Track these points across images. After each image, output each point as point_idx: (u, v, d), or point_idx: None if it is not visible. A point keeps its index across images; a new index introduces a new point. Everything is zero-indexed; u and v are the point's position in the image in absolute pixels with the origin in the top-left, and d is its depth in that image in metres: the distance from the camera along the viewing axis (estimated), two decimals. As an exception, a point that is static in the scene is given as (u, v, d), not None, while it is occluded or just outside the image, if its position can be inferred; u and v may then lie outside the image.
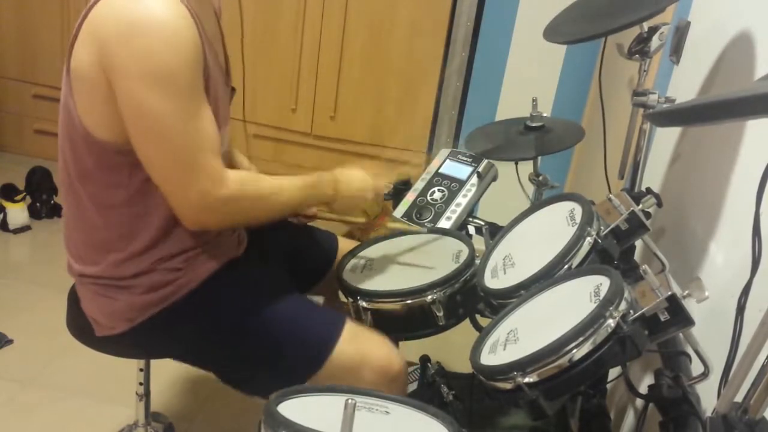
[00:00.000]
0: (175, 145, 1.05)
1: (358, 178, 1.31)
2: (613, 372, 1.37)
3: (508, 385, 0.92)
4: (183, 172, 1.07)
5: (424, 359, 1.64)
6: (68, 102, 1.10)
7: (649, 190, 1.26)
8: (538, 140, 1.51)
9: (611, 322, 0.88)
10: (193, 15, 1.04)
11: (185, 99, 1.04)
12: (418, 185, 1.69)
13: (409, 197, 1.67)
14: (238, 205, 1.13)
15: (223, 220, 1.15)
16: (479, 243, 1.44)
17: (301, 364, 1.21)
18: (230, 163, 1.43)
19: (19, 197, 2.64)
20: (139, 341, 1.23)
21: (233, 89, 1.32)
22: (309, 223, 1.54)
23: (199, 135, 1.06)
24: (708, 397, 1.04)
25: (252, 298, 1.22)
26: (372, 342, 1.24)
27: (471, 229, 1.62)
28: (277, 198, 1.19)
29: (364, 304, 1.28)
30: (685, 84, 1.50)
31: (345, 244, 1.52)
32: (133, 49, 1.00)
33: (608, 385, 1.45)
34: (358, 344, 1.22)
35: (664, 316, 0.90)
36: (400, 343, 1.37)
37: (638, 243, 1.27)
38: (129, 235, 1.16)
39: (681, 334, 1.00)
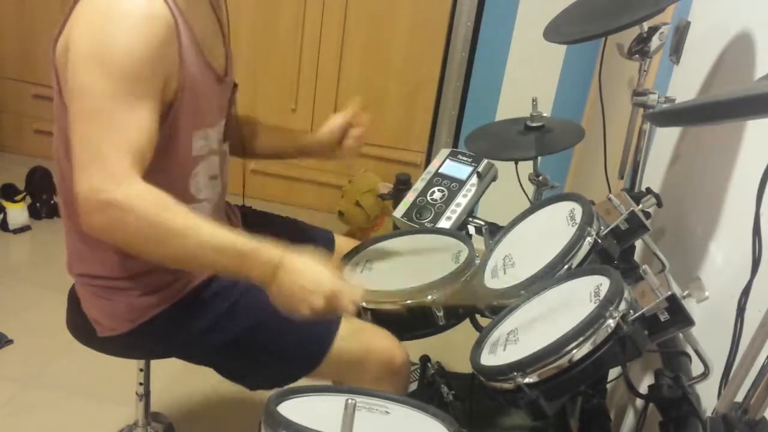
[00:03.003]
0: (94, 129, 1.00)
1: (310, 277, 1.04)
2: (613, 372, 1.37)
3: (508, 386, 0.92)
4: (86, 158, 1.00)
5: (424, 359, 1.64)
6: (59, 103, 1.09)
7: (649, 190, 1.26)
8: (538, 140, 1.51)
9: (611, 322, 0.88)
10: (174, 14, 1.03)
11: (124, 89, 1.00)
12: (418, 185, 1.69)
13: (409, 197, 1.66)
14: (122, 217, 0.97)
15: (106, 226, 0.99)
16: (479, 243, 1.44)
17: (302, 356, 1.22)
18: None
19: (19, 197, 2.64)
20: (140, 341, 1.24)
21: (235, 84, 1.31)
22: (306, 221, 1.54)
23: (121, 130, 1.00)
24: (708, 397, 1.04)
25: (251, 295, 1.22)
26: (375, 335, 1.25)
27: (471, 229, 1.61)
28: (179, 240, 1.00)
29: (364, 303, 1.28)
30: (685, 84, 1.50)
31: (345, 244, 1.52)
32: (92, 32, 1.01)
33: (608, 385, 1.45)
34: (361, 337, 1.23)
35: (664, 316, 0.90)
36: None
37: (638, 243, 1.27)
38: None
39: (681, 334, 1.00)
